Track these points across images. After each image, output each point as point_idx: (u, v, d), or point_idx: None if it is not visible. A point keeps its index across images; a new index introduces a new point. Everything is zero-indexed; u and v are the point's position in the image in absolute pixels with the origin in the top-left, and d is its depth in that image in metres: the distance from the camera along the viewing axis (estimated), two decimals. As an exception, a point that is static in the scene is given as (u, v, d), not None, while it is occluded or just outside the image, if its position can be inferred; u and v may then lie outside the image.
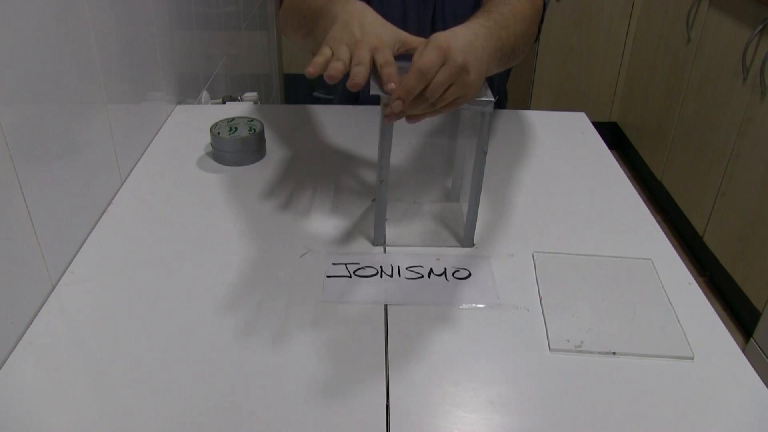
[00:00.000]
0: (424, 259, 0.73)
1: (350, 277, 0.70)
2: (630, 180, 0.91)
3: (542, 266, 0.73)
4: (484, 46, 0.65)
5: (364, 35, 0.66)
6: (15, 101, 0.61)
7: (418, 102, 0.61)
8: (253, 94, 1.31)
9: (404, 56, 0.67)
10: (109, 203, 0.82)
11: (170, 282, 0.69)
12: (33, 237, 0.64)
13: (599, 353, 0.61)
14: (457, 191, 0.85)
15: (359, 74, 0.61)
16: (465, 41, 0.62)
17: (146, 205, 0.82)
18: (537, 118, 1.11)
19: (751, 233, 1.84)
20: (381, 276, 0.70)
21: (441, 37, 0.61)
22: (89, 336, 0.61)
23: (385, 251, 0.75)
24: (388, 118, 0.62)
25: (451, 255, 0.74)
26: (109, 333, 0.62)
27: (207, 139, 0.96)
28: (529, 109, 1.84)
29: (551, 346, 0.62)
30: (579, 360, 0.61)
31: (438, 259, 0.73)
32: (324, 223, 0.79)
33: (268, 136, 0.98)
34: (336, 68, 0.62)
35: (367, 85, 0.64)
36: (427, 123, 1.03)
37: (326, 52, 0.65)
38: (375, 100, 0.75)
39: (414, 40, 0.69)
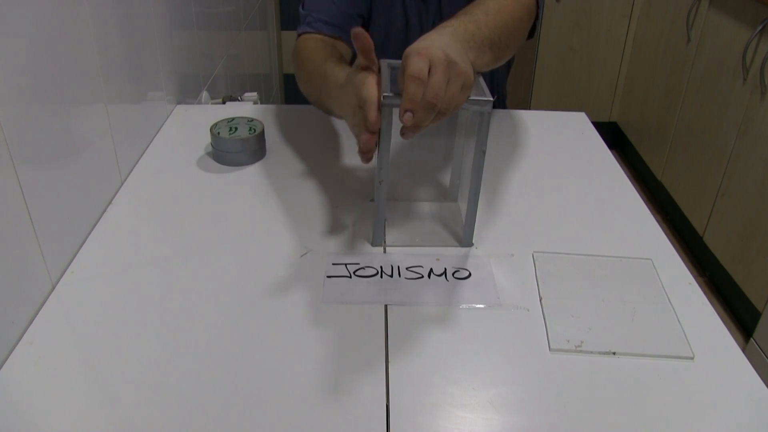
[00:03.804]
0: (424, 259, 0.73)
1: (350, 277, 0.70)
2: (630, 180, 0.91)
3: (542, 266, 0.73)
4: (453, 38, 0.67)
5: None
6: (15, 101, 0.61)
7: (428, 112, 0.61)
8: (253, 94, 1.30)
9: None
10: (109, 203, 0.82)
11: (170, 282, 0.69)
12: (33, 237, 0.64)
13: (599, 353, 0.61)
14: (455, 191, 0.85)
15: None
16: (437, 41, 0.64)
17: (146, 205, 0.82)
18: (537, 118, 1.11)
19: (751, 233, 1.84)
20: (381, 276, 0.70)
21: (413, 46, 0.62)
22: (89, 336, 0.61)
23: (385, 251, 0.75)
24: (405, 135, 0.62)
25: (451, 255, 0.74)
26: (109, 333, 0.62)
27: (207, 139, 0.96)
28: (529, 109, 1.84)
29: (551, 346, 0.62)
30: (579, 360, 0.61)
31: (438, 259, 0.73)
32: (324, 223, 0.79)
33: (268, 136, 0.98)
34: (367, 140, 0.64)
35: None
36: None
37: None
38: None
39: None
